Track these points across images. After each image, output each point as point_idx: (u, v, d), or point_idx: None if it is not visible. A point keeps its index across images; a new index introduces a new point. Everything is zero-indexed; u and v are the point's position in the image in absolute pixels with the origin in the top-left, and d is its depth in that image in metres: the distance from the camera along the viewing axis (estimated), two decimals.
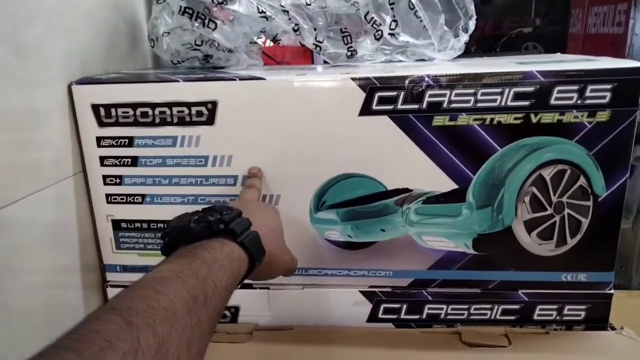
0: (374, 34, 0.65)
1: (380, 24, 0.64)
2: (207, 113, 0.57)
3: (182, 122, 0.58)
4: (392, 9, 0.63)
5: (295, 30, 0.64)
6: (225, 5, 0.61)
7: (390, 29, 0.63)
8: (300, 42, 0.69)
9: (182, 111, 0.58)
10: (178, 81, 0.57)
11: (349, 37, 0.65)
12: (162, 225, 0.63)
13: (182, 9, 0.60)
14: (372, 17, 0.63)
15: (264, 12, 0.62)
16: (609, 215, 0.55)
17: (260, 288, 0.63)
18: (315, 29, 0.65)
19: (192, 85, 0.57)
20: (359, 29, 0.66)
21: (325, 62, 0.70)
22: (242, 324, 0.64)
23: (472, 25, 0.70)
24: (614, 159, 0.53)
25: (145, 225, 0.63)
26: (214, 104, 0.57)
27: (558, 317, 0.60)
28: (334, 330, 0.62)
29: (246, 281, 0.62)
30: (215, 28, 0.62)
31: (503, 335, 0.59)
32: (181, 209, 0.61)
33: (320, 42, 0.65)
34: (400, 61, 0.69)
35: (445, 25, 0.67)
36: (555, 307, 0.60)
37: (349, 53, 0.66)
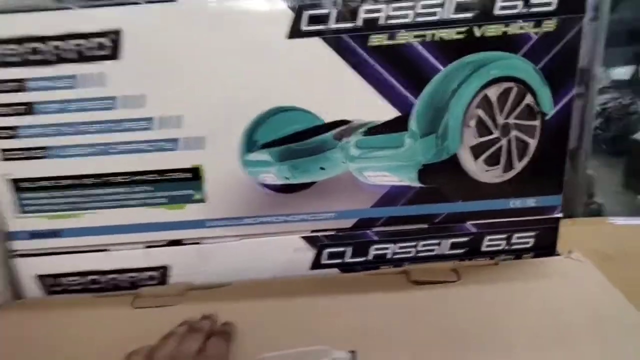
0: None
1: None
2: (110, 45, 0.49)
3: (81, 57, 0.50)
4: None
5: None
6: None
7: None
8: None
9: (80, 44, 0.49)
10: (71, 8, 0.49)
11: None
12: (70, 181, 0.55)
13: None
14: None
15: None
16: (556, 134, 0.53)
17: (192, 244, 0.58)
18: None
19: (89, 12, 0.49)
20: None
21: None
22: (172, 285, 0.58)
23: None
24: (561, 72, 0.50)
25: (51, 184, 0.55)
26: (117, 33, 0.49)
27: (507, 247, 0.58)
28: (276, 281, 0.58)
29: (175, 237, 0.58)
30: None
31: (452, 271, 0.56)
32: (91, 160, 0.54)
33: None
34: None
35: None
36: (503, 236, 0.58)
37: None
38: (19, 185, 0.55)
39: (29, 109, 0.52)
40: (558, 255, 0.59)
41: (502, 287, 0.54)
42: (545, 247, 0.58)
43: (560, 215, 0.57)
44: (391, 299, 0.54)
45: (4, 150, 0.54)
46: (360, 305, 0.53)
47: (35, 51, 0.49)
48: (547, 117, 0.52)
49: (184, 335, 0.45)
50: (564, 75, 0.50)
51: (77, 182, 0.55)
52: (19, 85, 0.51)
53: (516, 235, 0.57)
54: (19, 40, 0.49)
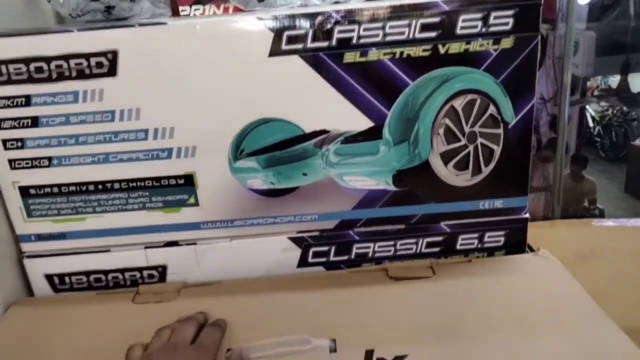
0: None
1: None
2: (107, 64, 0.54)
3: (81, 75, 0.54)
4: None
5: None
6: None
7: None
8: None
9: (80, 63, 0.54)
10: (72, 31, 0.53)
11: None
12: (74, 188, 0.59)
13: None
14: None
15: None
16: (519, 141, 0.57)
17: (187, 244, 0.62)
18: None
19: (88, 34, 0.53)
20: None
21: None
22: (170, 283, 0.62)
23: None
24: (520, 85, 0.54)
25: (56, 190, 0.60)
26: (114, 53, 0.53)
27: (479, 245, 0.62)
28: (264, 278, 0.62)
29: (172, 238, 0.63)
30: None
31: (428, 267, 0.61)
32: (92, 169, 0.58)
33: None
34: (316, 5, 0.67)
35: None
36: (476, 235, 0.62)
37: None
38: (26, 192, 0.60)
39: (34, 122, 0.56)
40: (528, 252, 0.63)
41: (473, 282, 0.58)
42: (516, 245, 0.62)
43: (527, 215, 0.61)
44: (372, 293, 0.58)
45: (13, 160, 0.58)
46: (344, 299, 0.57)
47: (39, 70, 0.54)
48: (510, 126, 0.56)
49: (178, 326, 0.50)
50: (523, 88, 0.54)
51: (80, 189, 0.59)
52: (25, 101, 0.56)
53: (487, 234, 0.62)
54: (26, 61, 0.54)
